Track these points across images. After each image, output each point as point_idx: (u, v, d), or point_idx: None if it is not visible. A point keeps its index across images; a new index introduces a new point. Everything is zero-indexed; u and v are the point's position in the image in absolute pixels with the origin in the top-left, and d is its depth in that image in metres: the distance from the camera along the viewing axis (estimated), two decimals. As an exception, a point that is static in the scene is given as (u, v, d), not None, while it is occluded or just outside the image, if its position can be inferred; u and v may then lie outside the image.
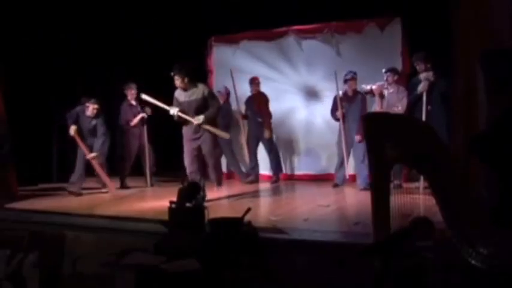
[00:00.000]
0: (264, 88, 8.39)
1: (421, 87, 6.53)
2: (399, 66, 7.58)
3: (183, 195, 4.33)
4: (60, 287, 3.44)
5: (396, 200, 2.63)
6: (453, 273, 2.63)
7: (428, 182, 2.57)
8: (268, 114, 8.24)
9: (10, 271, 3.14)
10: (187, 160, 6.22)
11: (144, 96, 6.73)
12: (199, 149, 6.22)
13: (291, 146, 8.71)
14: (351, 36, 8.20)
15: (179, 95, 6.24)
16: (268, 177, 8.44)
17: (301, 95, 8.60)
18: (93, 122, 7.44)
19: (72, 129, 7.23)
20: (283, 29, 8.63)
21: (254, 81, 8.33)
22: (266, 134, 8.14)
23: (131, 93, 8.05)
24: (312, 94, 8.52)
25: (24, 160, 7.45)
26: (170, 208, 4.27)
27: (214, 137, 6.31)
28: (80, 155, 7.30)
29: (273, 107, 8.39)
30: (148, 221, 4.83)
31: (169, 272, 3.24)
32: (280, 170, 8.44)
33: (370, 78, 7.29)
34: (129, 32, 8.83)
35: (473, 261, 2.31)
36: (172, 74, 6.08)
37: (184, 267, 3.26)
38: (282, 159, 8.57)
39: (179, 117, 6.17)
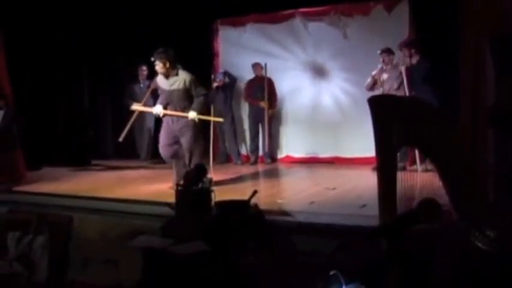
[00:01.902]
0: (270, 70, 8.43)
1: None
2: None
3: (189, 178, 4.34)
4: (68, 269, 3.47)
5: (402, 182, 2.63)
6: (460, 256, 2.63)
7: (434, 164, 2.56)
8: (276, 96, 8.46)
9: (20, 253, 3.17)
10: (162, 142, 6.02)
11: (134, 107, 6.80)
12: (177, 138, 5.99)
13: (297, 127, 8.69)
14: (358, 19, 8.14)
15: (160, 81, 6.00)
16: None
17: (309, 76, 8.57)
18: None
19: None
20: (290, 11, 8.57)
21: (258, 66, 8.41)
22: (270, 112, 8.35)
23: None
24: (319, 75, 8.49)
25: (28, 143, 7.47)
26: (177, 191, 4.29)
27: (196, 133, 5.97)
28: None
29: (280, 89, 8.44)
30: (155, 203, 4.84)
31: (176, 255, 3.26)
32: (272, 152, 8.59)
33: (377, 60, 7.26)
34: (133, 14, 8.78)
35: (480, 244, 2.31)
36: (152, 59, 5.84)
37: (191, 250, 3.28)
38: (283, 143, 8.74)
39: (164, 114, 5.99)
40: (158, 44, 6.21)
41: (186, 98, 5.92)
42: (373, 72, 7.20)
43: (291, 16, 8.60)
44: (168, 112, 5.98)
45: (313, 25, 8.45)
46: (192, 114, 5.86)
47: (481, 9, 4.07)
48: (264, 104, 8.35)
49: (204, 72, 8.52)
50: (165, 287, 3.29)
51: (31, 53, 7.92)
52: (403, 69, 6.92)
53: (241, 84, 8.82)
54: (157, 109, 6.02)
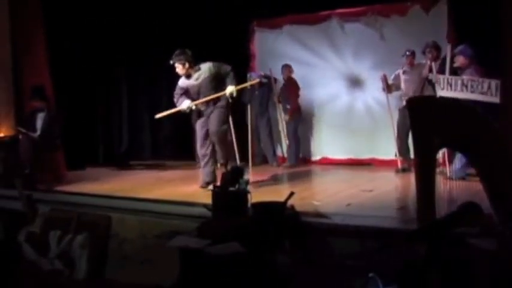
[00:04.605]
0: (307, 72, 8.40)
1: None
2: (444, 50, 7.40)
3: (226, 179, 4.37)
4: (106, 268, 3.53)
5: (441, 185, 2.59)
6: (500, 261, 2.58)
7: (475, 167, 2.52)
8: (295, 101, 8.34)
9: (60, 251, 3.25)
10: (198, 143, 6.11)
11: (158, 115, 6.46)
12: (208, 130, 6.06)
13: (333, 130, 8.63)
14: (395, 20, 8.03)
15: (183, 83, 6.07)
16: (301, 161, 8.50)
17: (345, 79, 8.48)
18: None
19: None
20: (326, 12, 8.51)
21: (286, 68, 8.38)
22: (286, 117, 8.30)
23: None
24: (355, 79, 8.41)
25: (72, 143, 7.63)
26: (214, 192, 4.32)
27: (222, 116, 6.04)
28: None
29: (315, 91, 8.42)
30: (192, 204, 4.89)
31: (213, 255, 3.28)
32: (298, 156, 8.50)
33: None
34: (170, 16, 8.87)
35: (521, 249, 2.26)
36: (171, 62, 5.91)
37: (227, 251, 3.30)
38: (319, 145, 8.68)
39: (196, 105, 6.01)
40: (195, 45, 6.27)
41: (215, 82, 6.02)
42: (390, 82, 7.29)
43: (327, 17, 8.54)
44: (199, 101, 6.03)
45: (349, 26, 8.37)
46: (230, 89, 5.97)
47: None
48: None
49: (240, 73, 8.56)
50: (202, 287, 3.32)
51: (71, 54, 8.09)
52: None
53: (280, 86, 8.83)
54: (186, 103, 6.00)
